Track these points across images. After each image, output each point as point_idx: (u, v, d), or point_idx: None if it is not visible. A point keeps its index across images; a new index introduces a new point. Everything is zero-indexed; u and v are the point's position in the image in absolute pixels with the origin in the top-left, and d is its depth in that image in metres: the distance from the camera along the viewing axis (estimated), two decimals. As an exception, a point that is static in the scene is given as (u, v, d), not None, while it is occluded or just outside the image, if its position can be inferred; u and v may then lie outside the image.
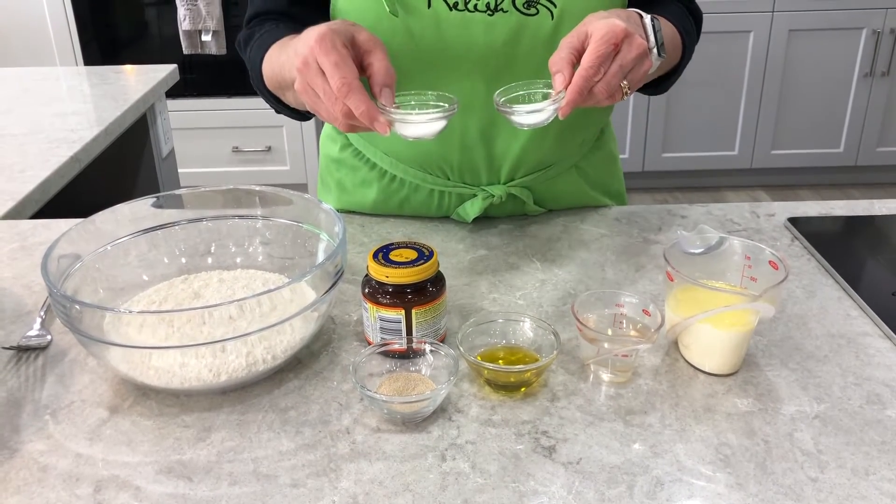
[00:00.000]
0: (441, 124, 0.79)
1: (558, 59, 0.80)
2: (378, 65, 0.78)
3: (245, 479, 0.66)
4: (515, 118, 0.81)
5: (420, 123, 0.79)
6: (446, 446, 0.69)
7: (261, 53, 0.95)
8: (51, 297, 0.73)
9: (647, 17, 0.86)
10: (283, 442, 0.70)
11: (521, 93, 0.84)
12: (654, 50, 0.84)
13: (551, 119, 0.81)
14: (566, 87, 0.78)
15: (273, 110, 1.03)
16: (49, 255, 0.77)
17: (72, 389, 0.77)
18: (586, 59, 0.77)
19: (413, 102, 0.84)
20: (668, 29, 0.95)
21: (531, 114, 0.80)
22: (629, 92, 0.81)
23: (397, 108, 0.78)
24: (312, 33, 0.76)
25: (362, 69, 0.79)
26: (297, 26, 0.93)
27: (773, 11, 3.18)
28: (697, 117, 3.37)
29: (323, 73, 0.75)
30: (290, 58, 0.84)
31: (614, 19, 0.80)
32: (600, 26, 0.79)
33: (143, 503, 0.64)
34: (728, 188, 3.56)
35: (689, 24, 1.04)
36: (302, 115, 1.02)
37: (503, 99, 0.82)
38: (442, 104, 0.81)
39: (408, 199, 1.08)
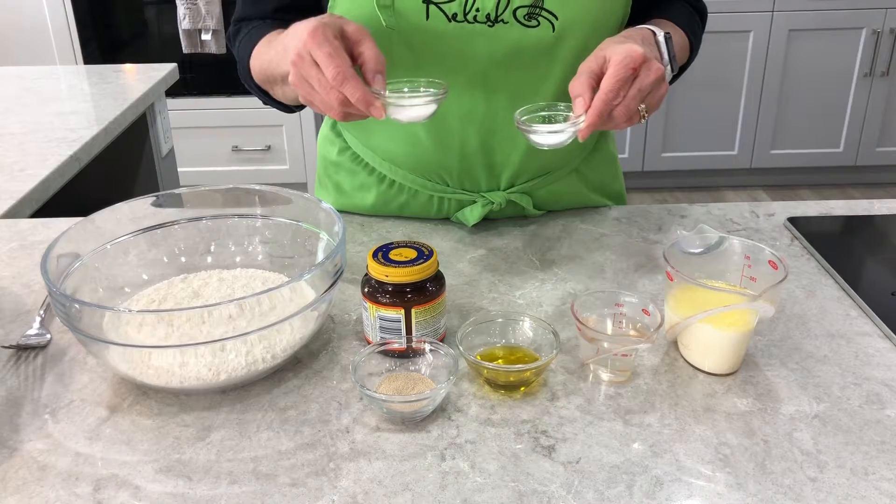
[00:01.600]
0: (432, 108, 0.82)
1: (578, 83, 0.81)
2: (368, 52, 0.80)
3: (244, 479, 0.66)
4: (535, 137, 0.83)
5: (413, 107, 0.81)
6: (446, 445, 0.69)
7: (248, 49, 0.97)
8: (50, 296, 0.73)
9: (661, 35, 0.88)
10: (283, 441, 0.70)
11: (543, 114, 0.85)
12: (668, 66, 0.87)
13: (569, 141, 0.82)
14: (586, 111, 0.79)
15: (262, 101, 1.04)
16: (48, 254, 0.77)
17: (71, 388, 0.77)
18: (605, 84, 0.79)
19: (405, 89, 0.86)
20: (677, 37, 0.97)
21: (551, 134, 0.82)
22: (647, 115, 0.82)
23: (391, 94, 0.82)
24: (303, 28, 0.78)
25: (353, 58, 0.80)
26: (283, 24, 0.95)
27: (772, 11, 3.18)
28: (697, 117, 3.37)
29: (317, 64, 0.77)
30: (279, 53, 0.86)
31: (632, 44, 0.81)
32: (619, 51, 0.80)
33: (143, 502, 0.64)
34: (727, 188, 3.56)
35: (696, 23, 1.04)
36: (289, 108, 1.03)
37: (524, 118, 0.84)
38: (433, 90, 0.84)
39: (407, 203, 1.08)
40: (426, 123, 0.97)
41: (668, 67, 0.88)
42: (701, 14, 1.06)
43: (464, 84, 0.94)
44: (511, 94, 0.95)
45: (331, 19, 0.80)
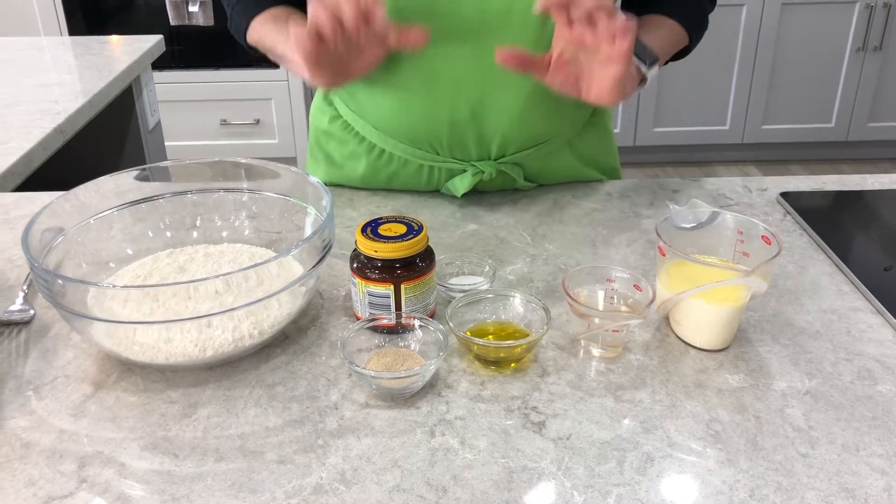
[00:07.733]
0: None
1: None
2: None
3: (231, 456, 0.65)
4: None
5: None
6: (435, 422, 0.68)
7: (246, 20, 0.99)
8: (32, 271, 0.72)
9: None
10: (270, 418, 0.69)
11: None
12: (644, 67, 0.92)
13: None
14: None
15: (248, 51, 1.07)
16: (30, 229, 0.75)
17: (55, 365, 0.76)
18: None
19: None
20: (656, 38, 0.99)
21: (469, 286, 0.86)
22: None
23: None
24: None
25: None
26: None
27: (766, -16, 3.15)
28: (689, 92, 3.35)
29: None
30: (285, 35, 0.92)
31: None
32: None
33: (128, 480, 0.63)
34: (719, 163, 3.55)
35: (693, 4, 1.03)
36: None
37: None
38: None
39: (396, 173, 1.07)
40: (417, 89, 0.96)
41: (644, 68, 0.92)
42: None
43: (454, 46, 0.93)
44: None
45: None
